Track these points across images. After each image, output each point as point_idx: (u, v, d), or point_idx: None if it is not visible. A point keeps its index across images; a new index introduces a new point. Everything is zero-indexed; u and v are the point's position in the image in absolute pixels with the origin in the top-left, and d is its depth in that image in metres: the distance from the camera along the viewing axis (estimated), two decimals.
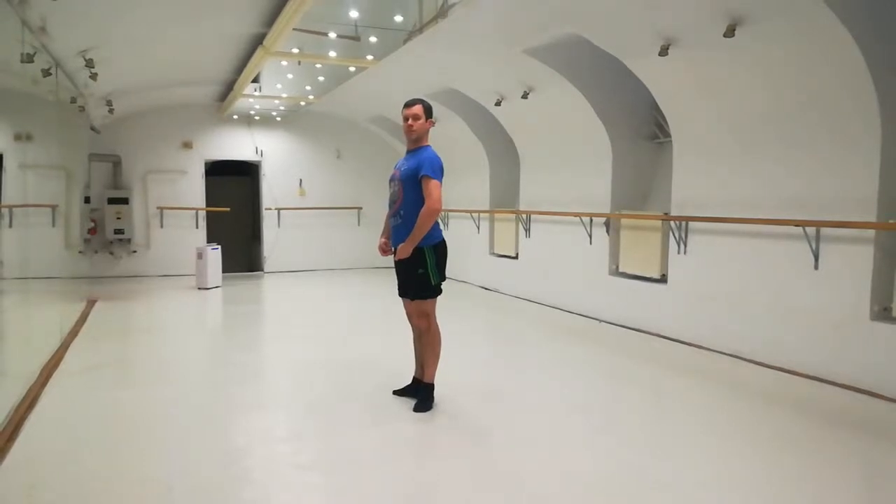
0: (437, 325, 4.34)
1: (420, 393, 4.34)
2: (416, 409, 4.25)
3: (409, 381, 4.60)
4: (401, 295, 4.45)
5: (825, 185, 5.02)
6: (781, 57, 4.98)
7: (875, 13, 4.40)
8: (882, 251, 4.73)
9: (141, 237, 11.59)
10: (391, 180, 4.39)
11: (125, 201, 11.27)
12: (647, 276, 6.93)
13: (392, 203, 4.34)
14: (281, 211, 12.47)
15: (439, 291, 4.30)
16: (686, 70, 5.77)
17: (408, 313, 4.47)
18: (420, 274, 4.20)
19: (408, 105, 4.32)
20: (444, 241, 4.31)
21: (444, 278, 4.30)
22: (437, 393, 4.57)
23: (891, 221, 4.62)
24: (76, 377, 5.14)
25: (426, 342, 4.33)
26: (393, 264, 4.39)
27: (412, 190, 4.14)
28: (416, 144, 4.31)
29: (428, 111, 4.31)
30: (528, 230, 9.08)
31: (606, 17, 5.72)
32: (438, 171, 4.14)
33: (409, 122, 4.28)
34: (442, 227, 4.27)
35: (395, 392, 4.59)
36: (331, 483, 3.30)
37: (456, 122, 9.63)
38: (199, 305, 9.17)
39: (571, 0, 5.54)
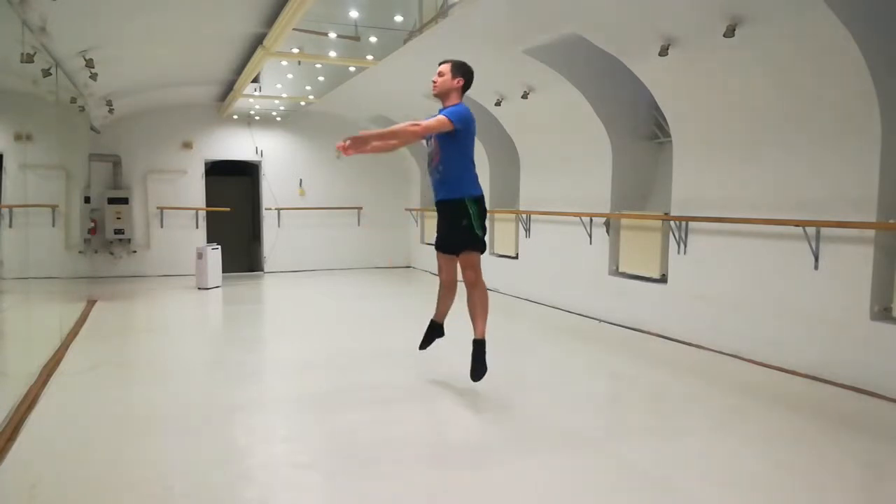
0: (483, 281, 4.37)
1: (474, 352, 4.35)
2: (474, 376, 4.32)
3: (412, 379, 4.64)
4: (439, 248, 4.55)
5: (825, 185, 5.02)
6: (781, 57, 4.98)
7: (875, 13, 4.40)
8: (882, 251, 4.72)
9: (141, 237, 11.59)
10: (427, 139, 4.45)
11: (125, 201, 11.27)
12: (647, 276, 6.93)
13: (430, 160, 4.42)
14: (281, 211, 12.47)
15: (485, 246, 4.37)
16: (686, 70, 5.77)
17: (440, 266, 4.61)
18: (465, 226, 4.28)
19: (439, 63, 4.45)
20: (482, 196, 4.38)
21: (485, 232, 4.37)
22: (435, 393, 4.59)
23: (891, 221, 4.62)
24: (76, 377, 5.13)
25: (476, 297, 4.35)
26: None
27: (447, 144, 4.21)
28: (448, 103, 4.39)
29: (458, 69, 4.37)
30: (528, 230, 9.08)
31: (606, 17, 5.72)
32: (459, 119, 4.18)
33: (434, 77, 4.41)
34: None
35: (420, 348, 4.80)
36: (331, 483, 3.30)
37: None
38: (199, 305, 9.17)
39: (571, 0, 5.54)
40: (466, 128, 4.23)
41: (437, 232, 4.57)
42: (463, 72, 4.38)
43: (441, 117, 4.16)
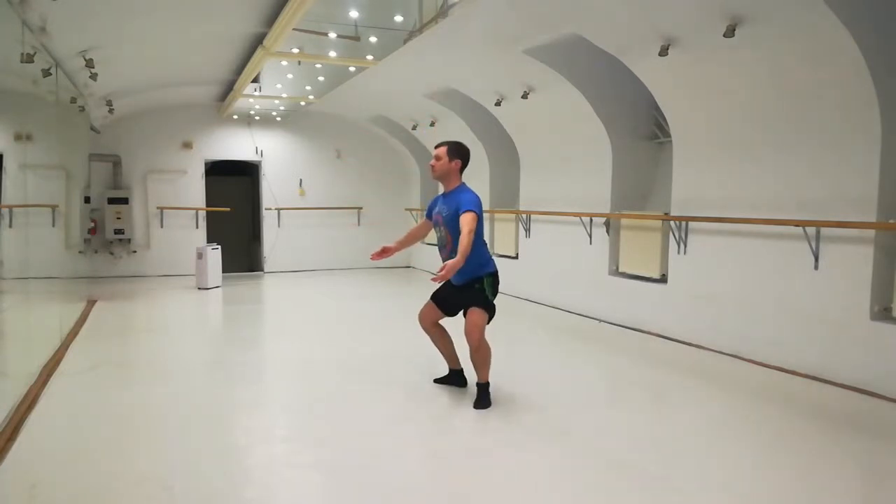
0: (486, 342, 4.37)
1: (478, 393, 4.41)
2: (476, 405, 4.35)
3: (413, 378, 4.64)
4: (434, 299, 4.59)
5: (825, 185, 5.02)
6: (781, 57, 4.98)
7: (875, 13, 4.40)
8: (882, 251, 4.73)
9: (141, 237, 11.59)
10: (435, 224, 4.53)
11: (125, 201, 11.26)
12: (647, 276, 6.93)
13: (442, 247, 4.47)
14: (281, 211, 12.47)
15: (494, 311, 4.40)
16: (686, 70, 5.77)
17: (422, 312, 4.64)
18: (477, 289, 4.34)
19: (435, 146, 4.52)
20: (497, 273, 4.45)
21: (495, 298, 4.42)
22: (435, 392, 4.59)
23: (891, 221, 4.62)
24: (76, 377, 5.13)
25: (478, 359, 4.37)
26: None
27: (457, 234, 4.23)
28: (449, 185, 4.47)
29: (453, 152, 4.43)
30: (528, 230, 9.08)
31: (606, 17, 5.72)
32: (480, 209, 4.27)
33: (432, 161, 4.50)
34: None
35: (435, 380, 4.83)
36: (331, 483, 3.30)
37: (456, 122, 9.63)
38: (200, 305, 9.17)
39: (571, 0, 5.54)
40: (481, 213, 4.32)
41: (441, 289, 4.57)
42: (459, 154, 4.47)
43: (470, 216, 4.17)
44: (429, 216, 4.66)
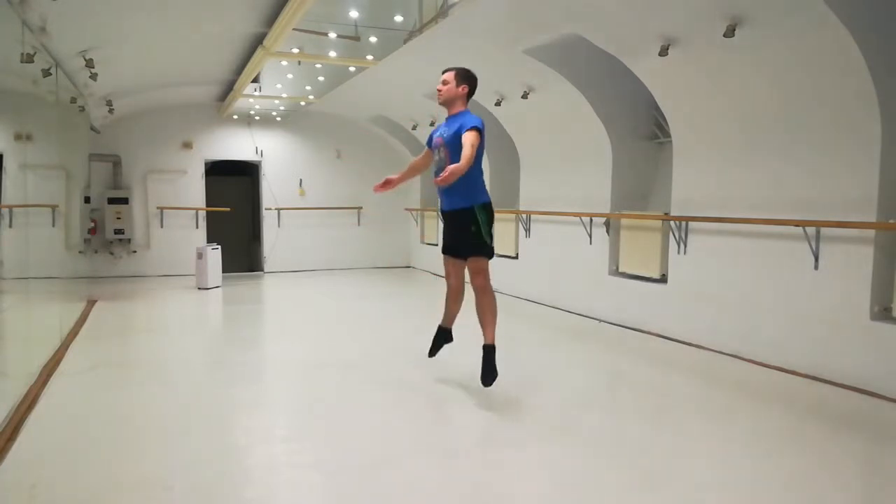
0: (491, 287, 4.39)
1: (484, 359, 4.35)
2: (485, 381, 4.32)
3: (412, 378, 4.64)
4: (447, 252, 4.60)
5: (825, 185, 5.02)
6: (782, 57, 4.98)
7: (875, 13, 4.40)
8: (882, 251, 4.72)
9: (141, 237, 11.59)
10: (434, 148, 4.50)
11: (125, 201, 11.27)
12: (647, 276, 6.93)
13: (438, 171, 4.37)
14: (281, 211, 12.47)
15: (493, 252, 4.40)
16: (686, 70, 5.77)
17: (448, 272, 4.65)
18: (473, 232, 4.32)
19: (443, 71, 4.48)
20: (491, 202, 4.42)
21: (493, 238, 4.42)
22: (435, 391, 4.58)
23: (891, 221, 4.62)
24: (76, 377, 5.13)
25: (485, 303, 4.36)
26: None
27: (457, 154, 4.16)
28: (453, 110, 4.42)
29: (462, 77, 4.40)
30: (528, 230, 9.08)
31: (606, 17, 5.72)
32: (483, 131, 4.21)
33: (438, 86, 4.44)
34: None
35: (430, 355, 4.85)
36: (332, 483, 3.30)
37: None
38: (200, 305, 9.17)
39: (571, 0, 5.54)
40: (484, 137, 4.26)
41: (444, 237, 4.61)
42: (467, 79, 4.42)
43: (473, 135, 4.11)
44: (429, 144, 4.61)
